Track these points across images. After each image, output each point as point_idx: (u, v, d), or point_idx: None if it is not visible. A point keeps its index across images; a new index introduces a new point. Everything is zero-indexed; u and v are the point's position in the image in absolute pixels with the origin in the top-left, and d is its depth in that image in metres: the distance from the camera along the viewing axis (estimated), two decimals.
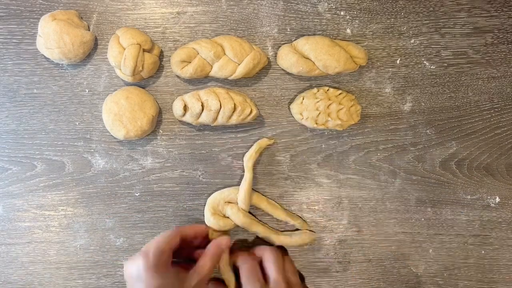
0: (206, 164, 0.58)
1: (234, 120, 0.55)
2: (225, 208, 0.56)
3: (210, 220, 0.55)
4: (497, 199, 0.59)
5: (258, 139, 0.58)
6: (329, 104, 0.55)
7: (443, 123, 0.59)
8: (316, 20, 0.58)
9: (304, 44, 0.56)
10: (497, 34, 0.59)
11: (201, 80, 0.58)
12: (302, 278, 0.59)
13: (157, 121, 0.58)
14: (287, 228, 0.59)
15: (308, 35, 0.58)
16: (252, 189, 0.57)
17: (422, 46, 0.59)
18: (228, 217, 0.56)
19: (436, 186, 0.59)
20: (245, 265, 0.51)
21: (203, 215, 0.57)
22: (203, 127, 0.58)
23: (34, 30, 0.57)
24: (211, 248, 0.51)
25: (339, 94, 0.56)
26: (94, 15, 0.58)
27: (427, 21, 0.58)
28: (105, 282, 0.59)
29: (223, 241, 0.52)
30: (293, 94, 0.59)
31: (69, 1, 0.57)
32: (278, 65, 0.58)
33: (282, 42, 0.58)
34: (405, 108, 0.59)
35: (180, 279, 0.47)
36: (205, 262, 0.49)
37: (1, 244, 0.58)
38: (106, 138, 0.58)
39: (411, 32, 0.58)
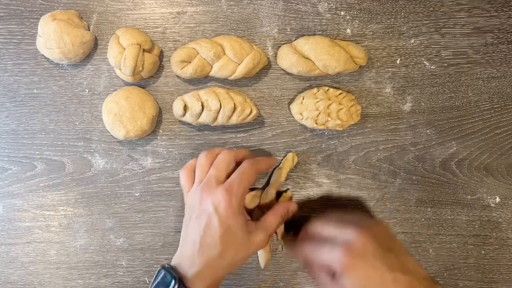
0: None
1: (234, 120, 0.55)
2: None
3: None
4: (497, 199, 0.59)
5: (258, 139, 0.58)
6: (329, 104, 0.55)
7: (443, 123, 0.59)
8: (316, 20, 0.58)
9: (304, 44, 0.56)
10: (497, 34, 0.59)
11: (201, 80, 0.58)
12: None
13: (157, 121, 0.58)
14: None
15: (308, 35, 0.58)
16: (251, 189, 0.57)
17: (422, 46, 0.59)
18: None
19: (436, 186, 0.59)
20: (306, 245, 0.48)
21: None
22: (203, 127, 0.58)
23: (34, 30, 0.57)
24: (280, 208, 0.50)
25: (339, 94, 0.56)
26: (94, 15, 0.58)
27: (427, 21, 0.58)
28: (105, 282, 0.59)
29: (291, 206, 0.51)
30: (293, 94, 0.59)
31: (69, 1, 0.57)
32: (278, 65, 0.58)
33: (282, 42, 0.58)
34: (405, 108, 0.59)
35: (248, 229, 0.46)
36: (273, 220, 0.48)
37: (1, 244, 0.58)
38: (106, 138, 0.58)
39: (411, 32, 0.58)
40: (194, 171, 0.49)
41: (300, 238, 0.50)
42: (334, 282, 0.44)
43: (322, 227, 0.48)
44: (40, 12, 0.57)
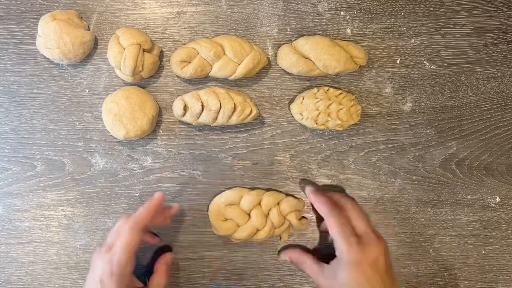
0: (206, 164, 0.58)
1: (234, 120, 0.55)
2: (227, 211, 0.56)
3: (215, 225, 0.56)
4: (497, 199, 0.59)
5: (258, 139, 0.58)
6: (329, 104, 0.55)
7: (443, 123, 0.59)
8: (316, 20, 0.58)
9: (304, 44, 0.55)
10: (497, 34, 0.59)
11: (201, 80, 0.58)
12: None
13: (157, 121, 0.58)
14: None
15: (308, 35, 0.58)
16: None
17: (422, 46, 0.59)
18: (231, 219, 0.56)
19: (436, 186, 0.59)
20: (334, 218, 0.50)
21: (203, 215, 0.58)
22: (203, 127, 0.58)
23: (34, 30, 0.57)
24: (161, 266, 0.54)
25: (339, 94, 0.56)
26: (94, 15, 0.58)
27: (427, 21, 0.58)
28: None
29: (168, 257, 0.55)
30: (293, 94, 0.59)
31: (69, 1, 0.57)
32: (278, 65, 0.58)
33: (282, 42, 0.58)
34: (405, 108, 0.59)
35: None
36: (158, 280, 0.53)
37: (1, 244, 0.58)
38: (106, 138, 0.58)
39: (411, 32, 0.58)
40: None
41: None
42: (324, 270, 0.50)
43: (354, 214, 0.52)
44: (40, 12, 0.57)
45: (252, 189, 0.57)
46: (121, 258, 0.46)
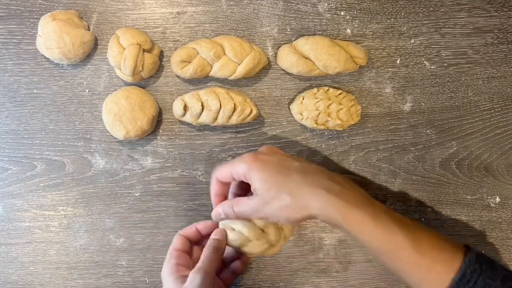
0: (206, 164, 0.58)
1: (234, 120, 0.55)
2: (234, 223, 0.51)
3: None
4: (497, 199, 0.59)
5: (258, 139, 0.58)
6: (329, 104, 0.55)
7: (443, 123, 0.59)
8: (316, 20, 0.58)
9: (304, 44, 0.56)
10: (497, 34, 0.59)
11: (201, 80, 0.58)
12: None
13: (157, 121, 0.58)
14: None
15: (308, 35, 0.58)
16: None
17: (422, 46, 0.59)
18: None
19: (436, 186, 0.59)
20: (218, 171, 0.48)
21: (203, 215, 0.58)
22: (203, 127, 0.58)
23: (34, 30, 0.57)
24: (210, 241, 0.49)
25: (339, 94, 0.56)
26: (94, 15, 0.58)
27: (427, 21, 0.58)
28: (105, 282, 0.59)
29: (219, 234, 0.50)
30: (293, 94, 0.59)
31: (69, 1, 0.57)
32: (278, 65, 0.58)
33: (282, 42, 0.58)
34: (405, 108, 0.59)
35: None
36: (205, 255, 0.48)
37: (1, 244, 0.58)
38: (106, 138, 0.58)
39: (411, 32, 0.58)
40: None
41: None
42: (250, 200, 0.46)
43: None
44: (40, 12, 0.57)
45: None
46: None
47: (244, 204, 0.46)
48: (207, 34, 0.58)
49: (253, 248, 0.50)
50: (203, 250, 0.48)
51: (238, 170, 0.46)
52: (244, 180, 0.46)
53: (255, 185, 0.45)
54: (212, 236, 0.49)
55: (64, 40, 0.54)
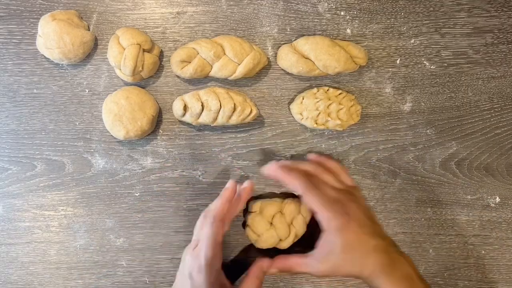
0: (206, 164, 0.58)
1: (234, 120, 0.55)
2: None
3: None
4: (497, 199, 0.59)
5: (258, 139, 0.58)
6: (329, 104, 0.55)
7: (443, 123, 0.59)
8: (316, 20, 0.58)
9: (304, 44, 0.56)
10: (497, 34, 0.59)
11: (201, 80, 0.58)
12: None
13: (157, 121, 0.58)
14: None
15: (308, 35, 0.58)
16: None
17: (422, 46, 0.59)
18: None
19: (436, 186, 0.59)
20: (312, 192, 0.48)
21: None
22: (203, 127, 0.58)
23: (34, 30, 0.57)
24: (254, 269, 0.50)
25: (339, 94, 0.56)
26: (94, 15, 0.58)
27: (427, 21, 0.58)
28: (105, 282, 0.59)
29: (264, 263, 0.50)
30: (293, 94, 0.59)
31: (69, 1, 0.57)
32: (278, 65, 0.58)
33: (282, 42, 0.58)
34: (405, 108, 0.59)
35: None
36: (248, 285, 0.49)
37: (1, 244, 0.58)
38: (106, 138, 0.58)
39: (411, 32, 0.58)
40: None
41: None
42: (315, 255, 0.48)
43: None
44: (40, 12, 0.57)
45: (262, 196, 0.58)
46: (207, 253, 0.46)
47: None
48: (207, 34, 0.58)
49: (264, 241, 0.54)
50: (247, 278, 0.50)
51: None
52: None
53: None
54: (260, 265, 0.51)
55: (64, 40, 0.54)
